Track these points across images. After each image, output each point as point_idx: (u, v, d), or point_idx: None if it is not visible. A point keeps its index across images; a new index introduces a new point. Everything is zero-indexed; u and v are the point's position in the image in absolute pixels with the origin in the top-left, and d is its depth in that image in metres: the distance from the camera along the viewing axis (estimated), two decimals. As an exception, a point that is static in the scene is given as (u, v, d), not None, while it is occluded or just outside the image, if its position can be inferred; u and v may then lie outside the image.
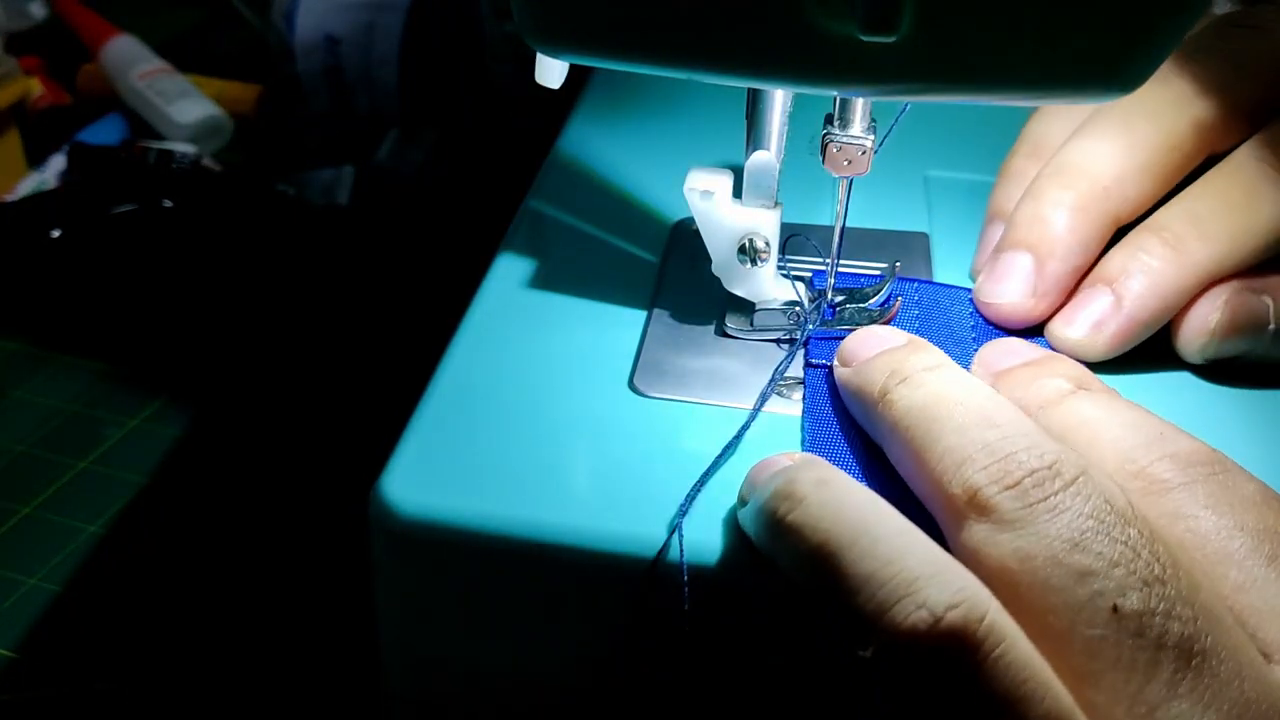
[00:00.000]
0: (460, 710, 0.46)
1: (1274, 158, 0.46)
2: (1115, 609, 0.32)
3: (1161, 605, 0.32)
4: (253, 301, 0.85)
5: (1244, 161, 0.46)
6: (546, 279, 0.53)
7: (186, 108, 1.01)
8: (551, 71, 0.47)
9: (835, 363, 0.44)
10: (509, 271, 0.54)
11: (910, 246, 0.55)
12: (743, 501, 0.39)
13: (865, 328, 0.45)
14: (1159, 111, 0.47)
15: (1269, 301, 0.45)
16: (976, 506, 0.35)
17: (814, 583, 0.35)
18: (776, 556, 0.37)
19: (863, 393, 0.42)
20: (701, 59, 0.40)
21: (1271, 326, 0.45)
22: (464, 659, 0.44)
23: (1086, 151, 0.48)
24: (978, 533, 0.34)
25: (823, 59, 0.38)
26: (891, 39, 0.36)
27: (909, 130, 0.57)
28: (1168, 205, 0.47)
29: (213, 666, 0.59)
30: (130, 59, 1.04)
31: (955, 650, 0.31)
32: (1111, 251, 0.47)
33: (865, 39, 0.36)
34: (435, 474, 0.43)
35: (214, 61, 1.11)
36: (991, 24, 0.36)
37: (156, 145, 0.94)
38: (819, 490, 0.36)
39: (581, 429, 0.44)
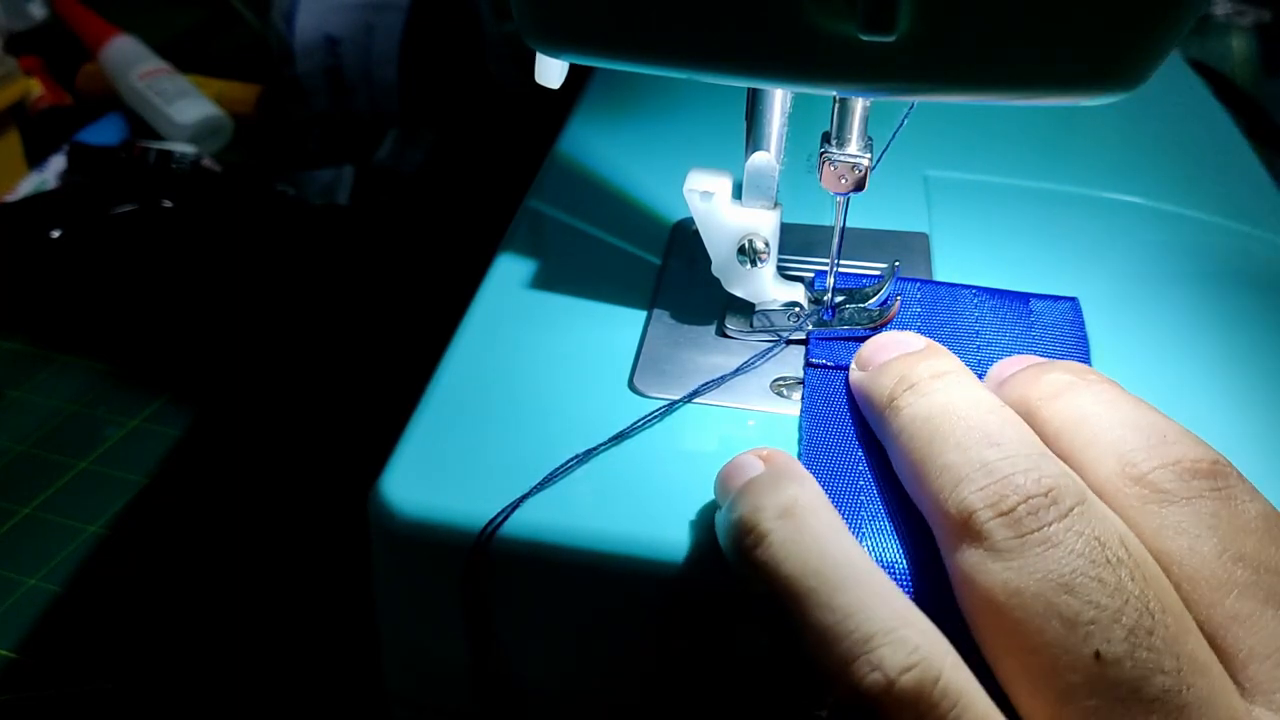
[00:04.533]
0: (460, 710, 0.45)
1: None
2: (1098, 655, 0.32)
3: (1145, 655, 0.32)
4: (253, 301, 0.85)
5: None
6: (546, 279, 0.53)
7: (186, 108, 1.01)
8: (551, 71, 0.47)
9: (852, 365, 0.44)
10: (509, 271, 0.54)
11: (910, 246, 0.55)
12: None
13: (887, 333, 0.45)
14: None
15: None
16: (971, 531, 0.34)
17: (778, 624, 0.35)
18: (745, 585, 0.37)
19: (872, 398, 0.42)
20: (701, 59, 0.40)
21: None
22: (463, 659, 0.43)
23: None
24: (970, 558, 0.34)
25: (822, 59, 0.38)
26: (890, 38, 0.36)
27: (908, 130, 0.57)
28: None
29: (213, 666, 0.59)
30: (130, 59, 1.05)
31: (909, 715, 0.32)
32: None
33: (864, 38, 0.36)
34: (434, 474, 0.43)
35: (214, 61, 1.11)
36: (990, 23, 0.36)
37: (156, 145, 0.94)
38: (782, 526, 0.36)
39: (581, 430, 0.44)
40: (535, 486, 0.41)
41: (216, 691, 0.58)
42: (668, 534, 0.40)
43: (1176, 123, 0.71)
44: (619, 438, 0.44)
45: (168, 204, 0.87)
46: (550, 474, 0.42)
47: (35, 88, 1.03)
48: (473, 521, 0.41)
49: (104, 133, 1.01)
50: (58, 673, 0.58)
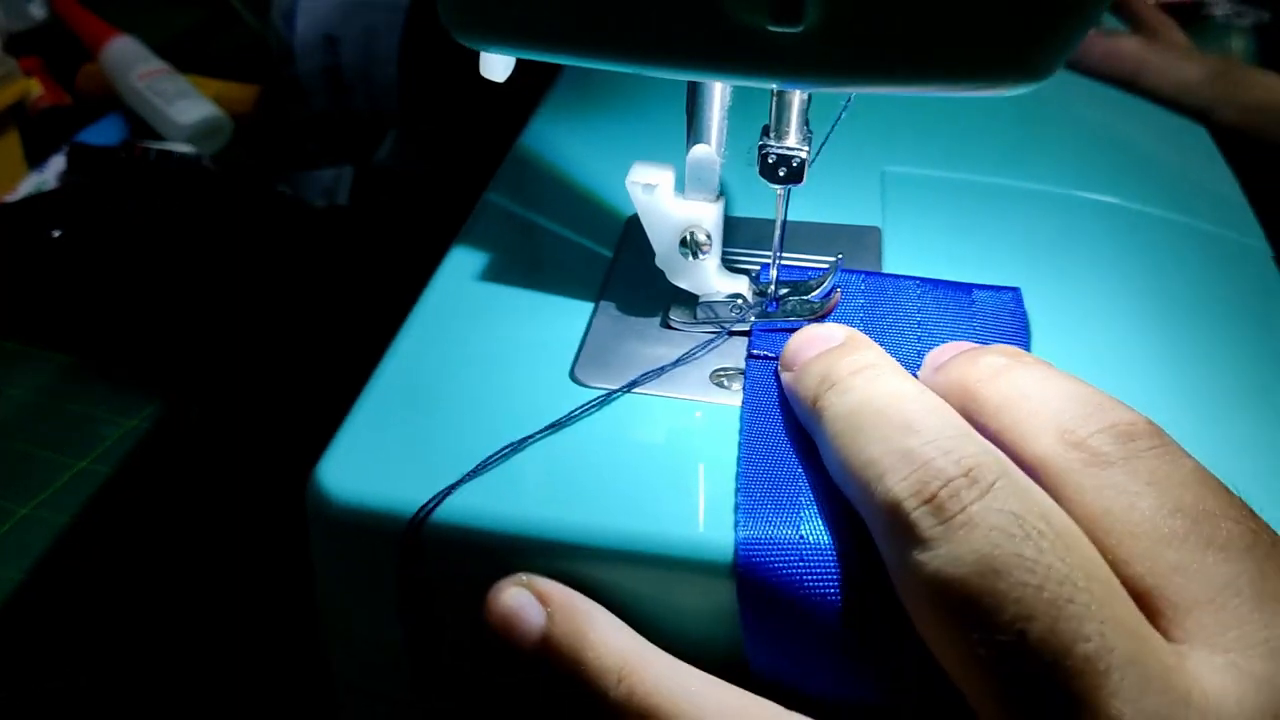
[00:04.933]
0: (404, 696, 0.46)
1: None
2: (1022, 634, 0.32)
3: (1066, 627, 0.32)
4: (253, 302, 0.85)
5: None
6: (498, 271, 0.53)
7: (186, 108, 1.02)
8: (495, 66, 0.47)
9: (779, 366, 0.45)
10: (462, 264, 0.54)
11: (862, 240, 0.55)
12: None
13: (807, 327, 0.45)
14: None
15: None
16: (900, 524, 0.35)
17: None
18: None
19: (799, 400, 0.42)
20: (615, 49, 0.40)
21: None
22: (400, 646, 0.44)
23: None
24: (903, 554, 0.35)
25: (734, 49, 0.38)
26: (798, 29, 0.36)
27: (868, 125, 0.57)
28: None
29: (168, 656, 0.59)
30: (130, 59, 1.05)
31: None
32: None
33: (773, 30, 0.36)
34: (372, 461, 0.43)
35: (214, 61, 1.12)
36: (894, 15, 0.36)
37: (156, 145, 0.95)
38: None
39: (520, 419, 0.44)
40: (467, 474, 0.42)
41: (171, 680, 0.58)
42: (602, 520, 0.40)
43: (1139, 120, 0.71)
44: (554, 426, 0.44)
45: (167, 204, 0.88)
46: (482, 461, 0.42)
47: (35, 88, 1.03)
48: (408, 508, 0.41)
49: (104, 133, 1.02)
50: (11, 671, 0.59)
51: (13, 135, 0.96)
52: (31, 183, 0.94)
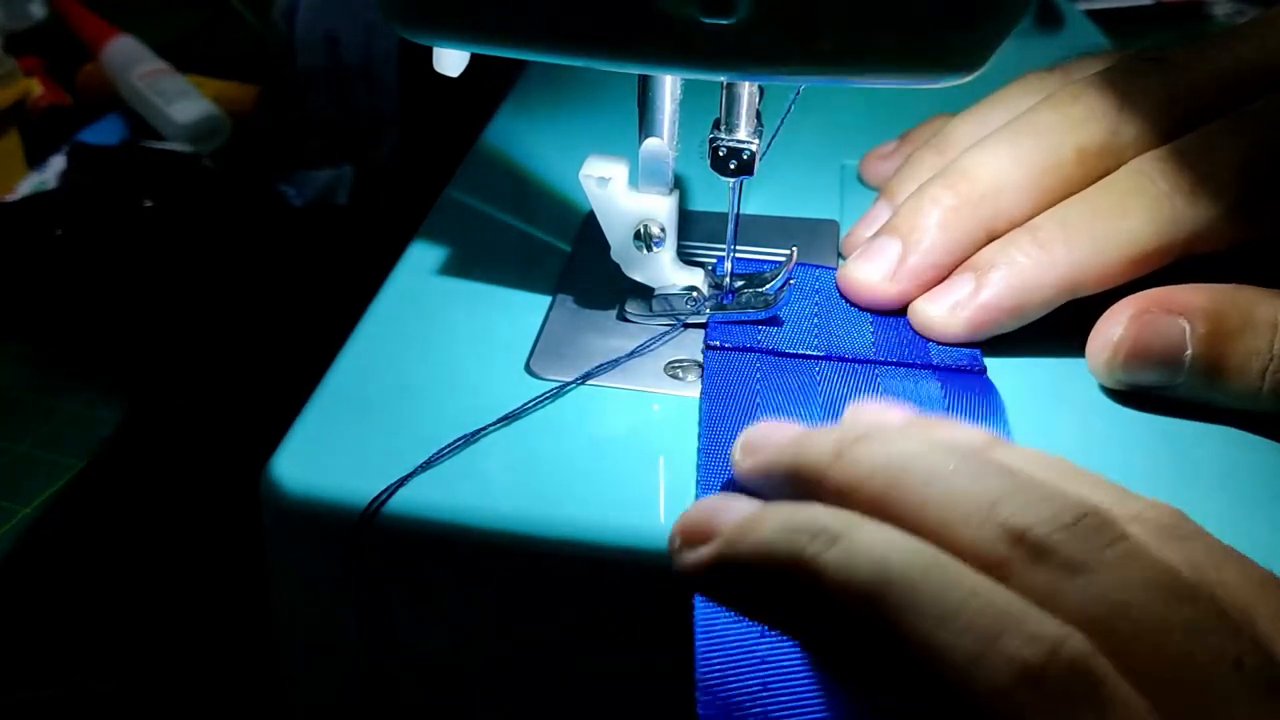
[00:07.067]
0: (359, 689, 0.46)
1: (1152, 174, 0.46)
2: (1238, 663, 0.28)
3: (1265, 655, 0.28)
4: (252, 302, 0.85)
5: (1121, 176, 0.47)
6: (457, 266, 0.54)
7: (186, 108, 1.02)
8: (449, 61, 0.48)
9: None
10: (421, 260, 0.54)
11: (819, 234, 0.55)
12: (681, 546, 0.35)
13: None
14: (1048, 132, 0.49)
15: (1184, 325, 0.43)
16: (1030, 549, 0.30)
17: (857, 635, 0.30)
18: (787, 603, 0.32)
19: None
20: (551, 41, 0.40)
21: (1188, 353, 0.43)
22: (353, 640, 0.44)
23: (975, 159, 0.49)
24: (1040, 577, 0.30)
25: (668, 41, 0.38)
26: (730, 21, 0.36)
27: (828, 119, 0.57)
28: (1048, 210, 0.48)
29: (124, 653, 0.59)
30: (130, 59, 1.05)
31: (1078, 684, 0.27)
32: (989, 245, 0.48)
33: (706, 21, 0.36)
34: (326, 454, 0.43)
35: (214, 61, 1.11)
36: (823, 7, 0.36)
37: (156, 145, 0.95)
38: (856, 530, 0.31)
39: (475, 411, 0.45)
40: (420, 465, 0.42)
41: (121, 673, 0.58)
42: (556, 511, 0.40)
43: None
44: (508, 418, 0.44)
45: (167, 204, 0.88)
46: (435, 453, 0.42)
47: (35, 88, 1.03)
48: (361, 500, 0.41)
49: (104, 133, 1.02)
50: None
51: (13, 135, 0.96)
52: (31, 183, 0.95)
